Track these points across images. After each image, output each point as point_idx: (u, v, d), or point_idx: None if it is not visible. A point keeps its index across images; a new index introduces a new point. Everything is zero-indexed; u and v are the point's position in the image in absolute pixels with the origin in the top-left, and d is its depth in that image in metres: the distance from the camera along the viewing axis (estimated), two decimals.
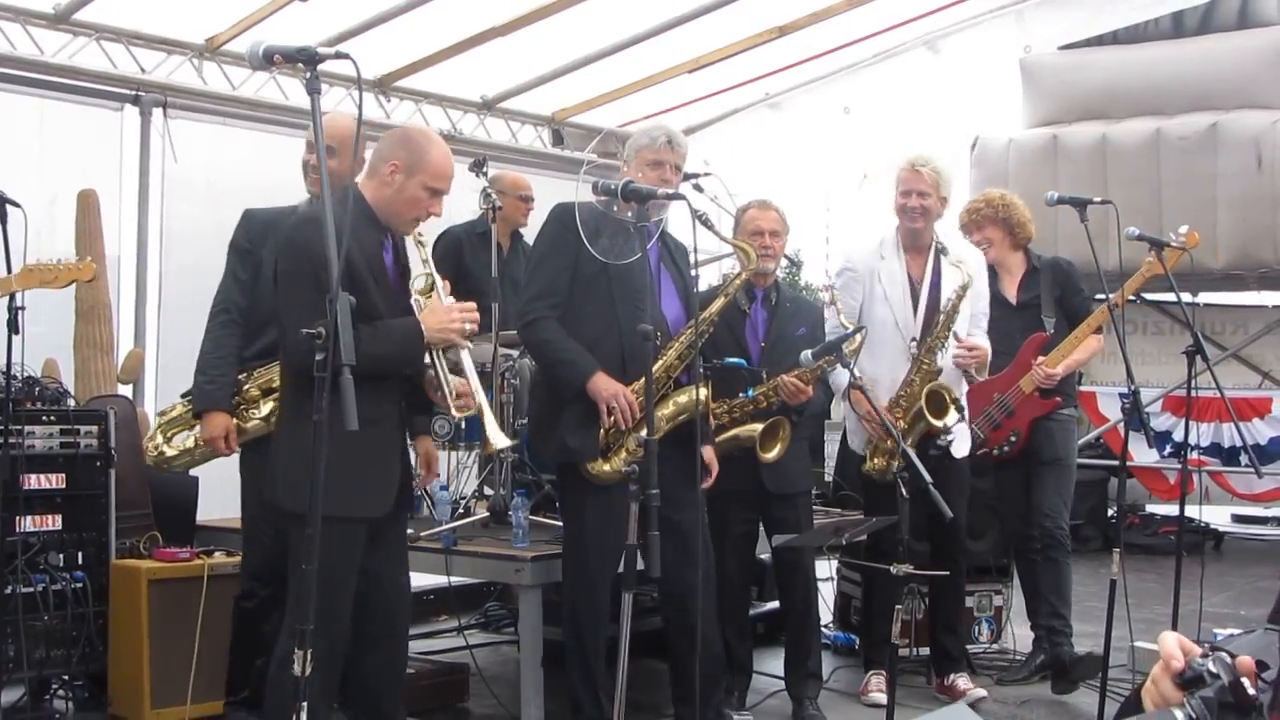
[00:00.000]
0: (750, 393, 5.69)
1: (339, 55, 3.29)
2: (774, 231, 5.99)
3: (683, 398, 5.17)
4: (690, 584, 4.79)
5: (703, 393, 5.14)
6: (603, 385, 5.04)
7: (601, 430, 5.06)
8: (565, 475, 5.31)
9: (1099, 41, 10.48)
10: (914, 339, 6.13)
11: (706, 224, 4.86)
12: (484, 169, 6.60)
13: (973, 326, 6.25)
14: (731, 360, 5.54)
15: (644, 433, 4.44)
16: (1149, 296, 8.31)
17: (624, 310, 5.07)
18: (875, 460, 6.17)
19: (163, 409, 5.68)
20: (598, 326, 5.16)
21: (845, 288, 6.28)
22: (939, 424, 5.80)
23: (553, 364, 5.24)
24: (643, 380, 4.71)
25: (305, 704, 3.06)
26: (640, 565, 4.29)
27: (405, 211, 4.44)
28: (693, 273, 5.30)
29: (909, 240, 6.29)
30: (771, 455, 5.69)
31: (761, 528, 6.12)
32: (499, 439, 4.84)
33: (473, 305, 4.59)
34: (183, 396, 5.60)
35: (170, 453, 5.61)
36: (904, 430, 5.93)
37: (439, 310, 4.48)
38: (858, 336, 5.82)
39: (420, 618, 7.99)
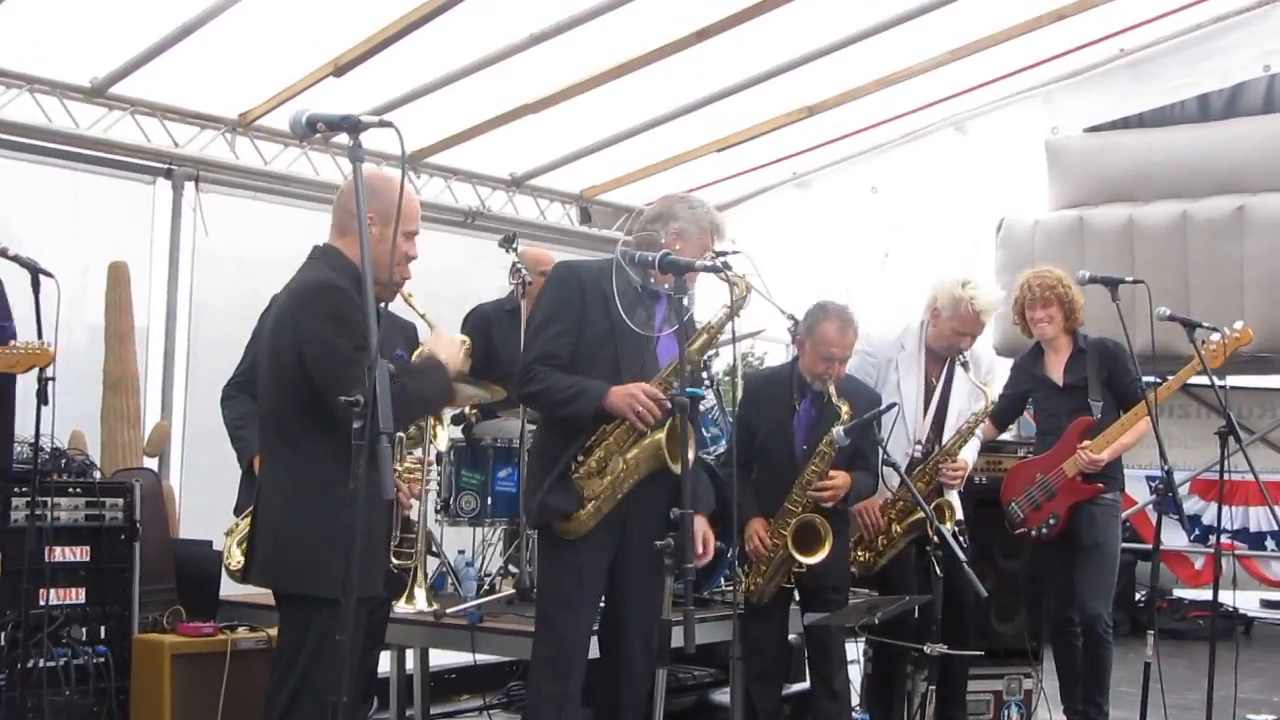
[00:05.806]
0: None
1: (383, 123, 3.28)
2: (845, 360, 5.85)
3: (646, 440, 4.81)
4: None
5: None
6: (617, 395, 4.75)
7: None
8: (543, 537, 5.04)
9: (1125, 124, 10.48)
10: (918, 441, 6.26)
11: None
12: (514, 245, 6.57)
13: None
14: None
15: (677, 509, 4.26)
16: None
17: (628, 372, 4.84)
18: (860, 553, 6.22)
19: (228, 529, 5.62)
20: None
21: (859, 369, 6.28)
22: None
23: (561, 404, 4.85)
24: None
25: None
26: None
27: (387, 263, 4.03)
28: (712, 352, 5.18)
29: (936, 348, 6.41)
30: (816, 558, 5.63)
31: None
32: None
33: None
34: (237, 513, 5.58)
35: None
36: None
37: (447, 341, 4.44)
38: (892, 413, 5.80)
39: (442, 697, 7.91)
